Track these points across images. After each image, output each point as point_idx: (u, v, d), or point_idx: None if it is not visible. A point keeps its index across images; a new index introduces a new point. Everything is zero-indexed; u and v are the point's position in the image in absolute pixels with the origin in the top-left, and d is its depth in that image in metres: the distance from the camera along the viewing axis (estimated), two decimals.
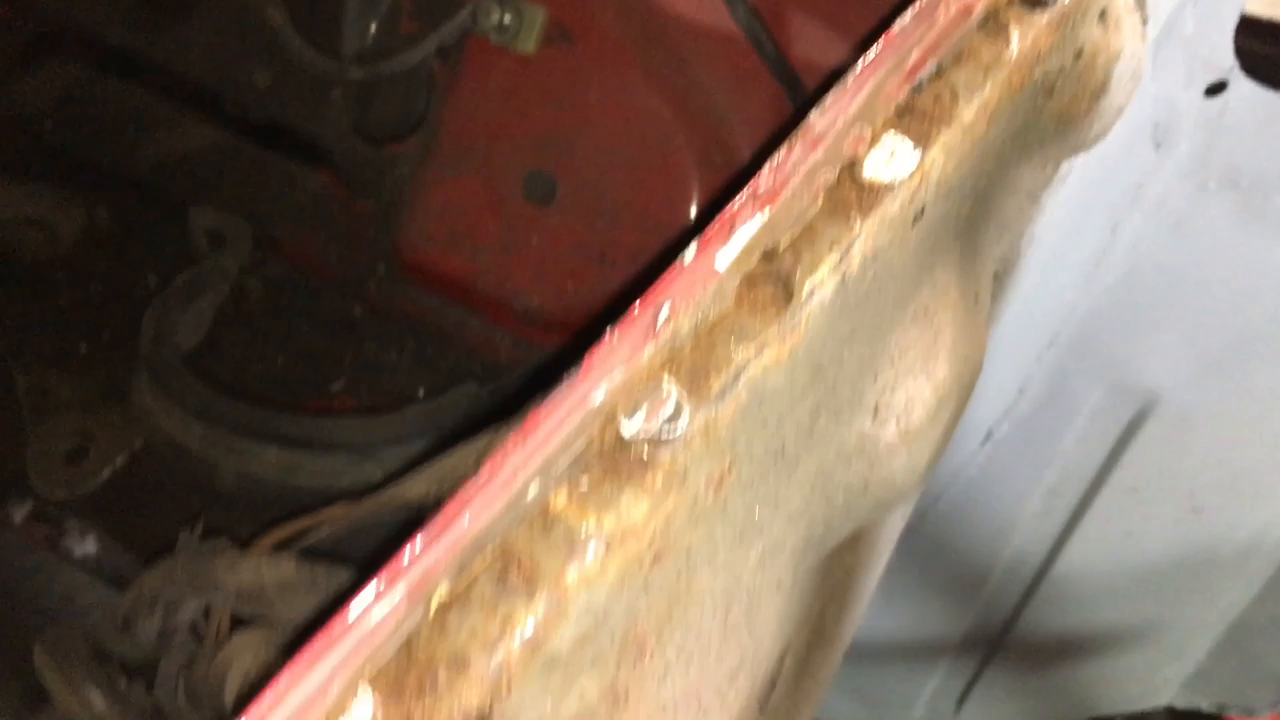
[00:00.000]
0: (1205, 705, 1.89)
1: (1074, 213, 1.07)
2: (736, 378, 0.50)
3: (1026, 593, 1.68)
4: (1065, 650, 1.82)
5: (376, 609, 0.43)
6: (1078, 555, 1.58)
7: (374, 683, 0.43)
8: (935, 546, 1.58)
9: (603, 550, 0.46)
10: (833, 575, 0.90)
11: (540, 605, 0.45)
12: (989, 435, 1.42)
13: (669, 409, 0.48)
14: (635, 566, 0.49)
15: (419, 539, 0.44)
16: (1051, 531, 1.57)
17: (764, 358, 0.50)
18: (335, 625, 0.42)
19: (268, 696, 0.42)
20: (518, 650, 0.45)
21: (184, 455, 0.89)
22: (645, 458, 0.47)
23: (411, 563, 0.44)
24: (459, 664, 0.43)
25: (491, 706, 0.44)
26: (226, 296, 1.00)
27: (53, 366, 0.97)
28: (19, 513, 1.13)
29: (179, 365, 0.91)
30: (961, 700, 1.96)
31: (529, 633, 0.45)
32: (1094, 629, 1.77)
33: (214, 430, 0.88)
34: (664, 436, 0.48)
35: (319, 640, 0.42)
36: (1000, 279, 0.90)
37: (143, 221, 1.08)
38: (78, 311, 1.01)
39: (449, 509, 0.44)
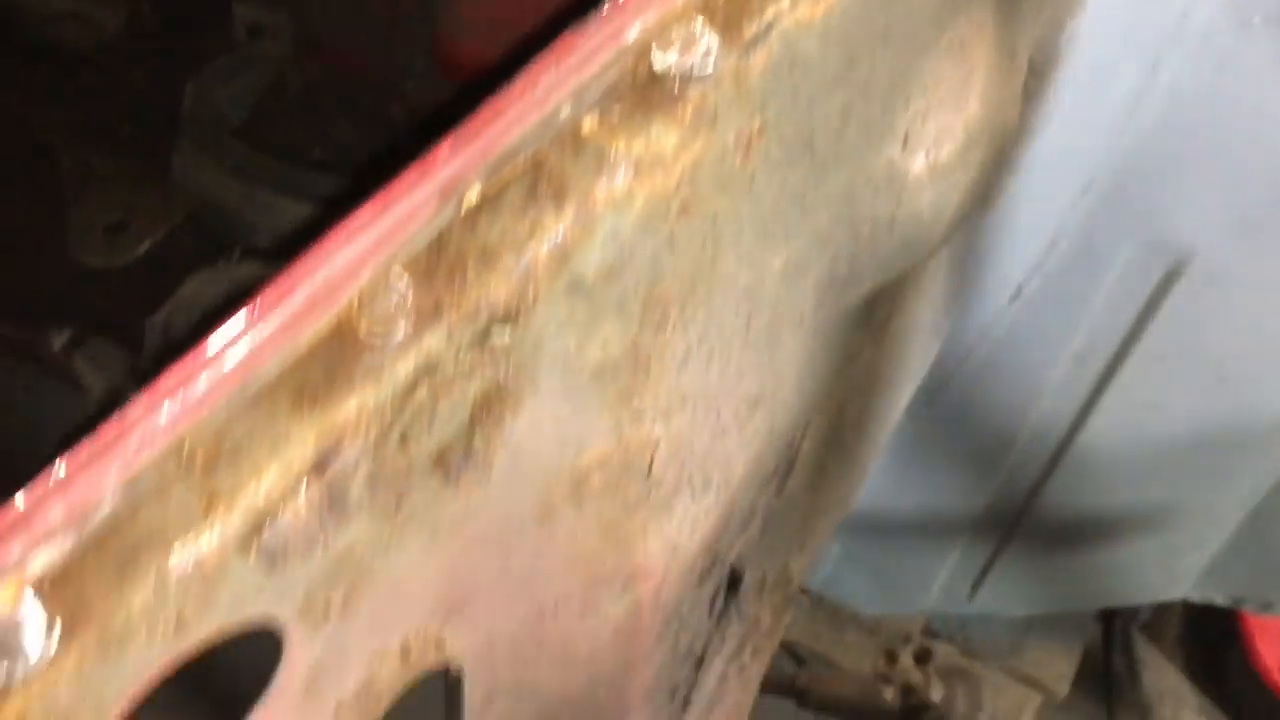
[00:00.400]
0: (1221, 599, 1.88)
1: (1114, 37, 1.06)
2: (769, 29, 0.50)
3: (1047, 468, 1.68)
4: (1082, 534, 1.82)
5: (408, 201, 0.44)
6: (1101, 427, 1.57)
7: (406, 268, 0.44)
8: (958, 412, 1.58)
9: (631, 175, 0.47)
10: (855, 365, 0.91)
11: (569, 216, 0.46)
12: (1019, 292, 1.42)
13: (701, 47, 0.49)
14: (662, 207, 0.50)
15: (451, 141, 0.45)
16: (1076, 400, 1.56)
17: (797, 12, 0.51)
18: (368, 211, 0.44)
19: (295, 274, 0.43)
20: (545, 256, 0.46)
21: (222, 217, 0.91)
22: (676, 92, 0.48)
23: (444, 163, 0.45)
24: (489, 260, 0.45)
25: (518, 310, 0.46)
26: (265, 90, 1.01)
27: (95, 146, 0.99)
28: (58, 341, 1.16)
29: (218, 127, 0.93)
30: (976, 585, 1.96)
31: (557, 240, 0.46)
32: (1113, 511, 1.77)
33: (252, 189, 0.89)
34: (695, 73, 0.48)
35: (348, 225, 0.44)
36: (1040, 74, 0.90)
37: (185, 15, 1.09)
38: (121, 95, 1.03)
39: (481, 115, 0.46)
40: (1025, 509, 1.77)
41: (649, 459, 0.60)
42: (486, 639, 0.62)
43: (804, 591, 1.85)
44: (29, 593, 0.38)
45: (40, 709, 0.37)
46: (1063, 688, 2.02)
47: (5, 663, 0.37)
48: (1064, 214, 1.34)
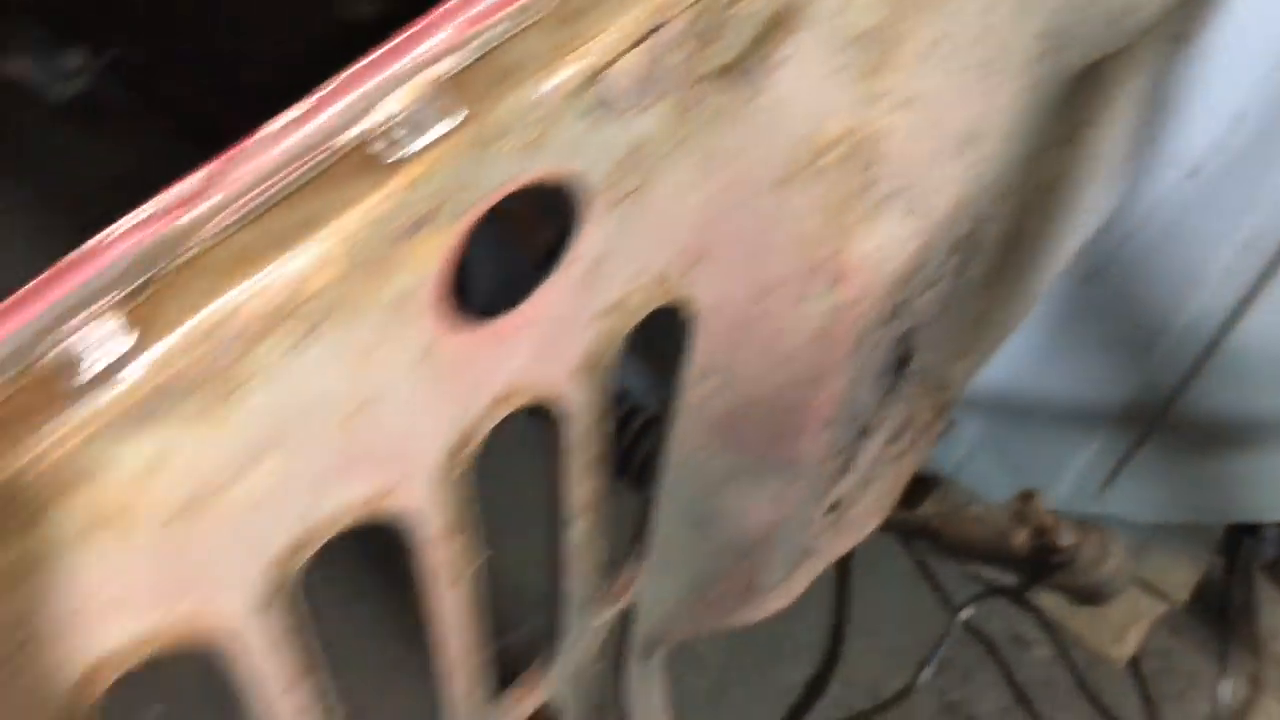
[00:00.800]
0: None
1: None
2: None
3: (1196, 363, 1.69)
4: (1221, 440, 1.82)
5: None
6: (1256, 324, 1.58)
7: None
8: (1116, 293, 1.60)
9: None
10: (1046, 160, 0.97)
11: None
12: (1195, 170, 1.43)
13: None
14: None
15: None
16: (1236, 292, 1.57)
17: None
18: None
19: None
20: None
21: None
22: None
23: None
24: None
25: None
26: None
27: None
28: None
29: None
30: (1108, 481, 1.98)
31: None
32: (1254, 418, 1.77)
33: None
34: None
35: None
36: None
37: None
38: None
39: None
40: (1167, 407, 1.78)
41: (876, 150, 0.69)
42: (719, 299, 0.71)
43: (935, 477, 1.91)
44: (431, 87, 0.48)
45: (436, 178, 0.48)
46: (1182, 595, 2.03)
47: (414, 137, 0.48)
48: (1250, 90, 1.36)
